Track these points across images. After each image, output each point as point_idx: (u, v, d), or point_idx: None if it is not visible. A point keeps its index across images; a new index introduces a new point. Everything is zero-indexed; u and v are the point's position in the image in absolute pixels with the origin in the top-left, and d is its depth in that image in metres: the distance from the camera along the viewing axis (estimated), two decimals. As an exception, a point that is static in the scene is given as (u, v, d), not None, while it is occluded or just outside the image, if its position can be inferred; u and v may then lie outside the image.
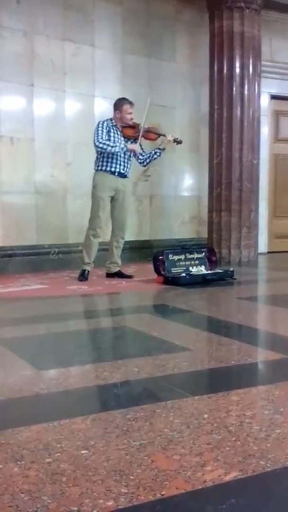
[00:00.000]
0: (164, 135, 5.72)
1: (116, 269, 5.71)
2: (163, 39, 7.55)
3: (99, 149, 5.39)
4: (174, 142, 5.75)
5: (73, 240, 6.55)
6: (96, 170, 5.53)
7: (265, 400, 2.11)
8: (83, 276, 5.52)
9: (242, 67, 6.75)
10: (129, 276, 5.66)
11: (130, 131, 5.56)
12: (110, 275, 5.70)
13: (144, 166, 5.78)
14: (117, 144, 5.41)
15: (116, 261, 5.71)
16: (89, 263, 5.56)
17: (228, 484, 1.45)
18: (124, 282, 5.45)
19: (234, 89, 6.77)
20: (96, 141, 5.36)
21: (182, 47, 7.74)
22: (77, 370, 2.53)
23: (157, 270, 5.39)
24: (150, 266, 5.55)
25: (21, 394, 2.20)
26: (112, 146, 5.37)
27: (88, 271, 5.56)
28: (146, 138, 5.65)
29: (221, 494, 1.41)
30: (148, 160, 5.69)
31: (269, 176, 8.50)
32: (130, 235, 7.16)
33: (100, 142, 5.35)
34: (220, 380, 2.47)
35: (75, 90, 6.81)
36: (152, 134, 5.68)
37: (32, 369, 2.54)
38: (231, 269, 5.72)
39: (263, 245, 8.23)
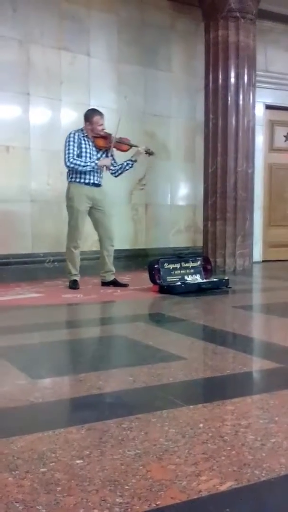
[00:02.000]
0: (136, 146, 5.74)
1: (111, 278, 5.71)
2: (158, 49, 7.59)
3: (69, 169, 5.44)
4: (146, 153, 5.78)
5: (68, 248, 6.55)
6: (70, 182, 5.53)
7: (260, 409, 2.11)
8: (74, 285, 5.52)
9: (237, 76, 6.78)
10: (125, 285, 5.66)
11: (102, 142, 5.56)
12: (105, 284, 5.70)
13: (116, 177, 5.77)
14: (88, 163, 5.43)
15: (110, 269, 5.70)
16: (76, 274, 5.58)
17: (223, 494, 1.45)
18: (119, 291, 5.45)
19: (229, 98, 6.79)
20: (67, 161, 5.39)
21: (178, 57, 7.77)
22: (72, 379, 2.52)
23: (152, 279, 5.39)
24: (146, 275, 5.54)
25: (16, 403, 2.20)
26: (83, 166, 5.41)
27: (77, 280, 5.57)
28: (118, 149, 5.66)
29: (216, 503, 1.41)
30: (120, 171, 5.72)
31: (264, 185, 8.53)
32: (125, 244, 7.17)
33: (72, 163, 5.38)
34: (215, 389, 2.47)
35: (71, 99, 6.82)
36: (124, 145, 5.68)
37: (27, 378, 2.53)
38: (226, 278, 5.73)
39: (258, 254, 8.24)
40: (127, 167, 5.70)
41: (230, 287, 5.51)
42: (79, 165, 5.40)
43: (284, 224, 8.82)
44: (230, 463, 1.62)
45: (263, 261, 8.48)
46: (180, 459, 1.65)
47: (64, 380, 2.53)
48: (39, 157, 6.59)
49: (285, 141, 8.78)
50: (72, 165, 5.39)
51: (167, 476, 1.54)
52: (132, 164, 5.71)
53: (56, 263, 6.52)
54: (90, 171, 5.48)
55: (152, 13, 7.45)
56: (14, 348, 3.21)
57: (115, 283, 5.68)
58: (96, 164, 5.49)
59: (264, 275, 7.24)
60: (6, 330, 3.74)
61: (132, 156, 5.71)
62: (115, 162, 5.70)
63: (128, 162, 5.68)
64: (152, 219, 7.68)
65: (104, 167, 5.58)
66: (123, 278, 5.95)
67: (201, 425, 1.93)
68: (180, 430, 1.88)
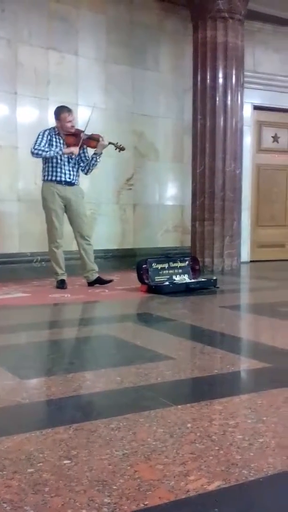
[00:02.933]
0: (102, 138, 5.63)
1: (95, 276, 5.66)
2: (146, 49, 7.59)
3: (34, 156, 5.41)
4: (116, 149, 5.76)
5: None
6: (43, 181, 5.52)
7: (248, 409, 2.11)
8: (62, 285, 5.51)
9: (225, 77, 6.80)
10: (109, 281, 5.64)
11: (72, 139, 5.54)
12: (91, 284, 5.68)
13: (86, 174, 5.72)
14: (52, 149, 5.39)
15: (92, 268, 5.65)
16: (63, 273, 5.56)
17: (211, 494, 1.45)
18: (107, 291, 5.44)
19: (217, 99, 6.81)
20: (32, 148, 5.37)
21: (166, 57, 7.78)
22: (59, 379, 2.51)
23: (140, 279, 5.39)
24: (134, 275, 5.54)
25: (3, 403, 2.18)
26: (46, 151, 5.37)
27: (64, 279, 5.55)
28: (87, 145, 5.63)
29: (205, 503, 1.41)
30: (88, 168, 5.66)
31: (252, 185, 8.56)
32: (113, 244, 7.17)
33: (35, 149, 5.35)
34: (203, 389, 2.47)
35: (59, 98, 6.80)
36: (92, 141, 5.61)
37: (14, 378, 2.52)
38: (214, 277, 5.74)
39: (245, 254, 8.27)
40: (93, 161, 5.64)
41: (218, 287, 5.52)
42: (43, 150, 5.36)
43: (272, 224, 8.86)
44: (218, 462, 1.62)
45: (251, 261, 8.51)
46: (168, 459, 1.65)
47: (52, 380, 2.52)
48: (26, 156, 6.54)
49: (273, 141, 8.82)
50: (35, 151, 5.36)
51: (155, 476, 1.54)
52: (96, 158, 5.63)
53: (43, 262, 6.51)
54: (61, 168, 5.44)
55: (140, 13, 7.45)
56: (1, 348, 3.19)
57: (100, 281, 5.65)
58: (61, 150, 5.43)
59: (252, 275, 7.26)
60: (-6, 330, 3.72)
61: (95, 150, 5.64)
62: (86, 159, 5.66)
63: (92, 156, 5.63)
64: (140, 219, 7.68)
65: (71, 156, 5.51)
66: (111, 278, 5.94)
67: (189, 425, 1.93)
68: (168, 430, 1.88)
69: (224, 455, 1.67)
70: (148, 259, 5.51)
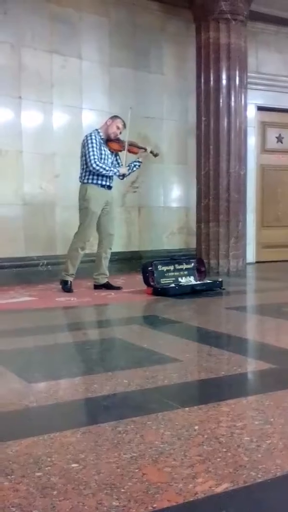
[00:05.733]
0: (145, 149, 5.83)
1: (105, 280, 5.71)
2: (149, 51, 7.59)
3: (94, 171, 5.43)
4: (151, 153, 5.89)
5: (62, 251, 6.52)
6: (86, 183, 5.52)
7: (256, 410, 2.11)
8: (67, 287, 5.52)
9: (229, 78, 6.79)
10: (118, 288, 5.66)
11: (116, 145, 5.63)
12: (98, 287, 5.69)
13: (122, 179, 5.79)
14: (112, 169, 5.49)
15: (104, 272, 5.70)
16: (73, 274, 5.57)
17: (219, 496, 1.45)
18: (113, 294, 5.44)
19: (221, 100, 6.80)
20: (93, 163, 5.39)
21: (169, 59, 7.78)
22: (67, 383, 2.51)
23: (146, 281, 5.39)
24: (139, 277, 5.54)
25: (11, 407, 2.19)
26: (107, 171, 5.45)
27: (71, 281, 5.57)
28: (131, 151, 5.72)
29: (213, 505, 1.41)
30: (127, 174, 5.75)
31: (256, 186, 8.55)
32: (119, 246, 7.16)
33: (98, 165, 5.40)
34: (210, 391, 2.47)
35: (63, 102, 6.82)
36: (135, 148, 5.77)
37: (22, 382, 2.53)
38: (220, 279, 5.74)
39: (251, 255, 8.25)
40: (134, 169, 5.77)
41: (224, 289, 5.51)
42: (104, 169, 5.44)
43: (277, 225, 8.85)
44: (226, 464, 1.62)
45: (256, 262, 8.49)
46: (176, 461, 1.65)
47: (59, 383, 2.52)
48: (31, 160, 6.58)
49: (277, 142, 8.81)
50: (98, 168, 5.40)
51: (163, 478, 1.54)
52: (139, 165, 5.79)
53: (49, 266, 6.52)
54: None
55: (143, 15, 7.46)
56: (8, 352, 3.20)
57: (108, 286, 5.67)
58: (118, 171, 5.56)
59: (257, 276, 7.25)
60: (0, 334, 3.73)
61: (138, 157, 5.76)
62: (118, 164, 5.74)
63: (135, 164, 5.73)
64: (145, 221, 7.68)
65: (122, 177, 5.69)
66: (117, 281, 5.95)
67: (196, 427, 1.93)
68: (176, 432, 1.88)
69: (231, 457, 1.68)
70: (154, 261, 5.51)
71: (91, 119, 6.82)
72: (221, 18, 6.73)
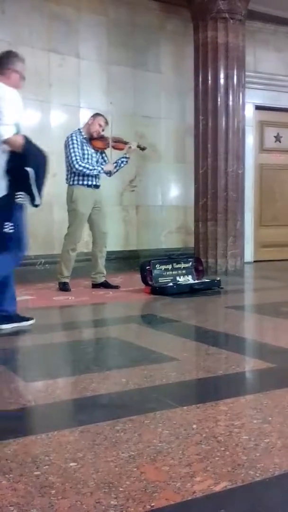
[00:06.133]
0: (129, 143, 5.76)
1: (102, 279, 5.70)
2: (147, 50, 7.59)
3: (77, 171, 5.42)
4: (138, 148, 5.83)
5: (60, 250, 6.51)
6: (72, 185, 5.51)
7: (254, 409, 2.11)
8: (65, 287, 5.52)
9: (227, 77, 6.79)
10: (116, 286, 5.65)
11: (100, 143, 5.60)
12: (96, 286, 5.69)
13: (110, 176, 5.78)
14: (96, 167, 5.47)
15: (101, 271, 5.70)
16: (68, 276, 5.58)
17: (217, 495, 1.45)
18: (111, 292, 5.44)
19: (219, 99, 6.80)
20: (75, 163, 5.38)
21: (167, 58, 7.78)
22: (64, 382, 2.51)
23: (144, 280, 5.39)
24: (137, 276, 5.54)
25: (8, 406, 2.19)
26: (91, 170, 5.43)
27: (68, 282, 5.57)
28: (116, 148, 5.69)
29: (211, 504, 1.41)
30: (115, 170, 5.72)
31: (254, 185, 8.55)
32: (116, 245, 7.16)
33: (80, 165, 5.39)
34: (209, 390, 2.47)
35: (61, 101, 6.82)
36: (120, 144, 5.72)
37: (20, 381, 2.53)
38: (218, 278, 5.74)
39: (249, 254, 8.25)
40: (122, 164, 5.72)
41: (222, 288, 5.51)
42: (88, 168, 5.42)
43: (275, 224, 8.84)
44: (224, 463, 1.62)
45: (254, 261, 8.49)
46: (174, 460, 1.65)
47: (57, 382, 2.52)
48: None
49: (275, 141, 8.81)
50: (81, 168, 5.39)
51: (161, 477, 1.54)
52: (127, 161, 5.74)
53: (47, 265, 6.51)
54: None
55: (141, 14, 7.45)
56: (6, 351, 3.20)
57: (106, 285, 5.67)
58: (102, 169, 5.55)
59: (255, 275, 7.25)
60: (-2, 333, 3.73)
61: (125, 154, 5.73)
62: (104, 162, 5.70)
63: (122, 160, 5.70)
64: (143, 220, 7.68)
65: (109, 175, 5.68)
66: (115, 280, 5.94)
67: (194, 426, 1.93)
68: (174, 431, 1.88)
69: (230, 456, 1.68)
70: (152, 260, 5.51)
71: (88, 116, 6.81)
72: (219, 17, 6.72)
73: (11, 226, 3.57)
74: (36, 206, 3.62)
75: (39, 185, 3.54)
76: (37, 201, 3.57)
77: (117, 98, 7.13)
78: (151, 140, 7.56)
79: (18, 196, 3.58)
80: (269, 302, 5.00)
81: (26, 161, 3.48)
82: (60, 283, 5.58)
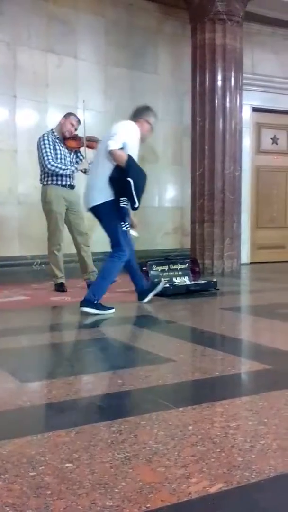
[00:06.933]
0: None
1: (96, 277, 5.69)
2: (145, 51, 7.60)
3: (50, 171, 5.41)
4: None
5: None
6: (46, 185, 5.50)
7: (249, 411, 2.11)
8: (61, 288, 5.52)
9: (224, 79, 6.80)
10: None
11: (73, 143, 5.59)
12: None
13: (87, 174, 5.74)
14: (68, 167, 5.46)
15: (92, 269, 5.66)
16: (62, 276, 5.58)
17: (213, 496, 1.45)
18: (107, 293, 5.42)
19: (216, 101, 6.81)
20: (47, 163, 5.36)
21: (165, 59, 7.79)
22: (60, 383, 2.51)
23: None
24: (133, 277, 5.54)
25: (4, 407, 2.19)
26: (63, 169, 5.42)
27: (63, 282, 5.57)
28: (89, 147, 5.64)
29: (206, 506, 1.41)
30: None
31: (251, 187, 8.56)
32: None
33: (53, 165, 5.37)
34: (204, 391, 2.47)
35: (58, 101, 6.82)
36: (94, 143, 5.60)
37: (15, 382, 2.52)
38: (214, 279, 5.74)
39: (245, 255, 8.27)
40: None
41: (218, 289, 5.52)
42: (60, 168, 5.40)
43: (271, 226, 8.87)
44: (219, 465, 1.62)
45: (250, 263, 8.51)
46: (169, 461, 1.65)
47: (53, 383, 2.52)
48: (26, 159, 6.57)
49: (272, 143, 8.82)
50: (53, 168, 5.37)
51: (156, 478, 1.54)
52: None
53: (43, 265, 6.50)
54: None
55: (139, 15, 7.46)
56: (2, 351, 3.19)
57: None
58: (76, 168, 5.53)
59: (252, 277, 7.26)
60: (-6, 333, 3.72)
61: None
62: (80, 160, 5.68)
63: None
64: (139, 221, 7.65)
65: (86, 173, 5.58)
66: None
67: (190, 427, 1.93)
68: (170, 432, 1.88)
69: (225, 457, 1.68)
70: (148, 261, 5.52)
71: (87, 118, 6.79)
72: (217, 19, 6.74)
73: (126, 224, 4.47)
74: (135, 209, 4.36)
75: (138, 193, 4.29)
76: (136, 205, 4.31)
77: (114, 99, 7.14)
78: (148, 142, 7.53)
79: (122, 201, 4.35)
80: (265, 304, 5.01)
81: (128, 173, 4.25)
82: (56, 284, 5.58)
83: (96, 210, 4.46)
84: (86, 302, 4.37)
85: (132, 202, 4.30)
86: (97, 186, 4.40)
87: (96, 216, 4.55)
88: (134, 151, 4.39)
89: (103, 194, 4.35)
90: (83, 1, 7.02)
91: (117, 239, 4.44)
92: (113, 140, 4.28)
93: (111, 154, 4.29)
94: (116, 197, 4.34)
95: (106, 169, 4.33)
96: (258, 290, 6.09)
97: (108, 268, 4.52)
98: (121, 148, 4.28)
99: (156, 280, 5.11)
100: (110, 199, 4.34)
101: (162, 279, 5.00)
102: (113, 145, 4.27)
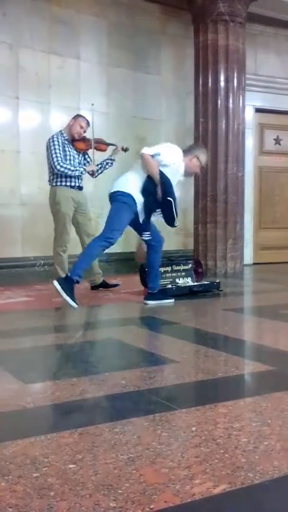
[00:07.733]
0: (114, 145, 5.75)
1: (101, 280, 5.70)
2: (148, 52, 7.60)
3: (59, 172, 5.40)
4: (122, 150, 5.78)
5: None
6: (55, 186, 5.49)
7: (253, 412, 2.11)
8: None
9: (227, 80, 6.80)
10: (115, 285, 5.67)
11: (82, 145, 5.58)
12: (95, 287, 5.69)
13: (95, 177, 5.76)
14: (77, 168, 5.45)
15: (98, 272, 5.68)
16: None
17: (217, 497, 1.45)
18: (110, 294, 5.44)
19: (219, 102, 6.81)
20: (57, 164, 5.35)
21: (167, 60, 7.79)
22: (63, 384, 2.51)
23: (143, 282, 5.38)
24: (137, 278, 5.55)
25: (7, 408, 2.18)
26: (72, 170, 5.41)
27: None
28: (98, 149, 5.66)
29: (210, 507, 1.41)
30: (99, 172, 5.69)
31: (254, 188, 8.55)
32: (116, 247, 7.13)
33: (62, 167, 5.36)
34: (208, 392, 2.46)
35: (61, 102, 6.82)
36: (103, 145, 5.71)
37: (18, 383, 2.52)
38: (217, 280, 5.73)
39: (248, 256, 8.26)
40: (107, 166, 5.69)
41: (221, 290, 5.51)
42: (69, 169, 5.39)
43: (274, 226, 8.85)
44: (223, 466, 1.62)
45: (253, 263, 8.50)
46: (173, 462, 1.65)
47: (56, 384, 2.51)
48: (29, 160, 6.58)
49: (275, 144, 8.81)
50: (62, 169, 5.37)
51: (160, 480, 1.54)
52: (112, 163, 5.71)
53: (46, 266, 6.51)
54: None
55: (141, 16, 7.46)
56: (5, 353, 3.19)
57: (105, 285, 5.68)
58: (84, 169, 5.52)
59: (255, 278, 7.25)
60: (-3, 335, 3.72)
61: (110, 155, 5.71)
62: (87, 163, 5.69)
63: (107, 161, 5.68)
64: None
65: (93, 175, 5.62)
66: (114, 282, 5.93)
67: (193, 428, 1.93)
68: (173, 433, 1.88)
69: (229, 458, 1.67)
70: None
71: (89, 119, 6.80)
72: (219, 20, 6.74)
73: (148, 234, 4.85)
74: (174, 226, 4.82)
75: (177, 212, 4.70)
76: (176, 224, 4.75)
77: (117, 101, 7.15)
78: (151, 142, 7.55)
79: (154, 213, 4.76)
80: (268, 305, 5.00)
81: (168, 193, 4.63)
82: None
83: (113, 197, 4.75)
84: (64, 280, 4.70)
85: (171, 220, 4.68)
86: (127, 178, 4.70)
87: (111, 203, 4.82)
88: (171, 174, 4.64)
89: (127, 186, 4.65)
90: (85, 2, 7.03)
91: (110, 228, 4.75)
92: (148, 147, 4.60)
93: (141, 156, 4.54)
94: (144, 204, 4.69)
95: (141, 172, 4.65)
96: (261, 291, 6.09)
97: (91, 247, 4.82)
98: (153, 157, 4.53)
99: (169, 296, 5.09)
100: (129, 193, 4.63)
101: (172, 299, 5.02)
102: (146, 149, 4.55)
